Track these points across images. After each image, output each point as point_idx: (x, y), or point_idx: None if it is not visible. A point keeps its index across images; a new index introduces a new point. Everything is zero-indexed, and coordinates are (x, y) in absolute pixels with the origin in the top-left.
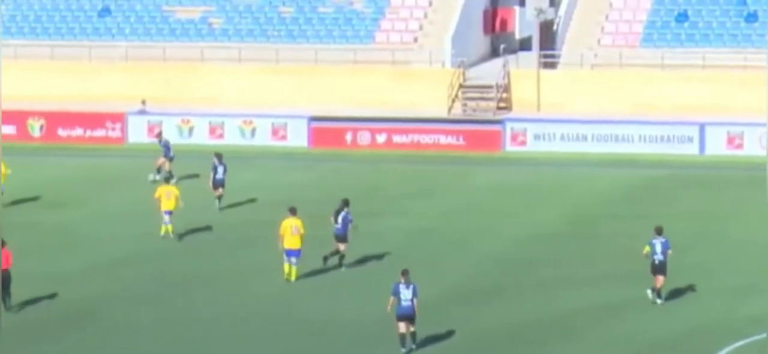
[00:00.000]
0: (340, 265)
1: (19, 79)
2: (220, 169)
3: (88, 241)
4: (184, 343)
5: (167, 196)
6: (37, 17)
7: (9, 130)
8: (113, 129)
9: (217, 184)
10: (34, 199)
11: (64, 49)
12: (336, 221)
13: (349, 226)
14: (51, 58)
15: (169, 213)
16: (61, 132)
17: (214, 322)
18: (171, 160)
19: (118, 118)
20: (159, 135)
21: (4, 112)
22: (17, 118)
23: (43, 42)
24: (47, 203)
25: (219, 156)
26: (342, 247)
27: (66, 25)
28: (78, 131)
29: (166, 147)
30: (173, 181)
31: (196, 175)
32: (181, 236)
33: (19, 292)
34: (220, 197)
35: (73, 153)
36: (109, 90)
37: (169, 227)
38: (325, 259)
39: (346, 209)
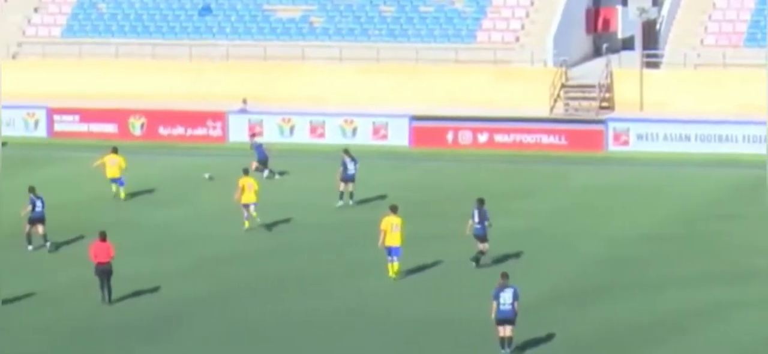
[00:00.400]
0: (477, 263)
1: (120, 78)
2: (351, 165)
3: (189, 239)
4: (284, 341)
5: (248, 189)
6: (138, 16)
7: (110, 128)
8: (214, 128)
9: (348, 179)
10: (135, 197)
11: (165, 48)
12: (475, 221)
13: (487, 224)
14: (152, 57)
15: (250, 206)
16: (162, 130)
17: (314, 320)
18: (263, 162)
19: (219, 116)
20: (254, 135)
21: (107, 111)
22: (118, 116)
23: (144, 40)
24: (148, 202)
25: (347, 152)
26: (483, 246)
27: (167, 24)
28: (179, 130)
29: (259, 149)
30: (266, 175)
31: (290, 174)
32: (284, 234)
33: (120, 290)
34: (351, 193)
35: (173, 152)
36: (210, 89)
37: (253, 215)
38: (476, 262)
39: (482, 208)
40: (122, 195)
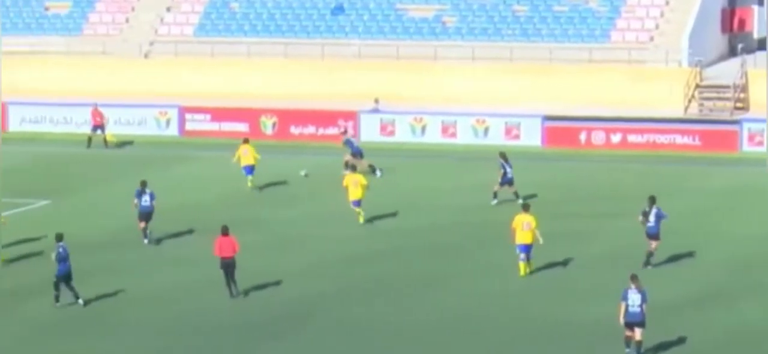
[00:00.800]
0: (647, 262)
1: (252, 77)
2: (509, 169)
3: (315, 238)
4: (406, 342)
5: (354, 185)
6: (270, 15)
7: (241, 127)
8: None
9: (506, 183)
10: (265, 196)
11: (297, 47)
12: (647, 220)
13: (661, 222)
14: (284, 56)
15: (358, 203)
16: (294, 130)
17: (437, 321)
18: (361, 156)
19: (351, 116)
20: (344, 132)
21: (238, 110)
22: (250, 115)
23: (276, 40)
24: (277, 201)
25: (504, 155)
26: (654, 244)
27: (299, 23)
28: (310, 129)
29: (351, 143)
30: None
31: (398, 174)
32: (412, 234)
33: (245, 287)
34: (516, 193)
35: (305, 151)
36: (342, 88)
37: (360, 214)
38: (646, 264)
39: (656, 206)
40: (250, 184)
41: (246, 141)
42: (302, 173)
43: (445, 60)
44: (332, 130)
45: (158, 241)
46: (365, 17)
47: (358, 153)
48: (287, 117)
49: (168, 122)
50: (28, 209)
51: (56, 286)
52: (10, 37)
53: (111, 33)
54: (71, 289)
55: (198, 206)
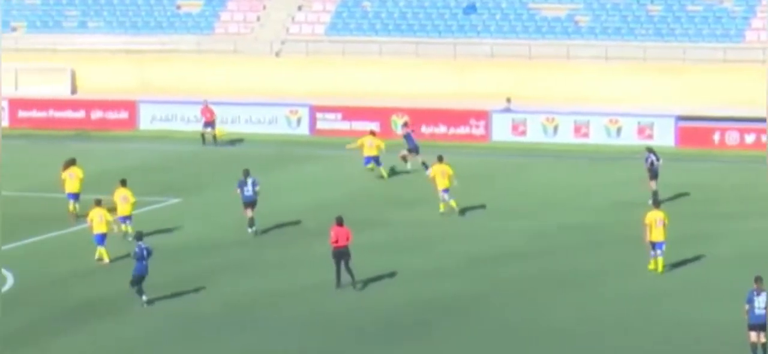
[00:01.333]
0: None
1: (383, 76)
2: (656, 161)
3: (443, 239)
4: (540, 345)
5: (442, 176)
6: (402, 14)
7: (372, 126)
8: (477, 126)
9: (654, 175)
10: (390, 195)
11: (428, 47)
12: None
13: None
14: (415, 55)
15: (446, 191)
16: (425, 129)
17: (570, 320)
18: (416, 152)
19: (483, 115)
20: (406, 124)
21: (369, 109)
22: (381, 114)
23: (408, 39)
24: (406, 200)
25: (651, 149)
26: None
27: (431, 22)
28: (442, 128)
29: (409, 139)
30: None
31: (530, 174)
32: (545, 235)
33: (369, 288)
34: (655, 192)
35: (436, 150)
36: (474, 87)
37: (452, 202)
38: None
39: None
40: (384, 174)
41: (372, 133)
42: (407, 166)
43: (578, 59)
44: (463, 130)
45: (260, 232)
46: (497, 16)
47: (414, 149)
48: (419, 116)
49: (299, 121)
50: (159, 207)
51: (136, 283)
52: (142, 35)
53: (242, 32)
54: (138, 286)
55: (327, 205)
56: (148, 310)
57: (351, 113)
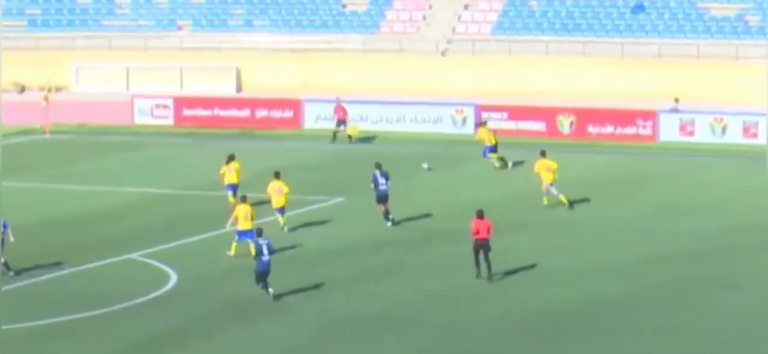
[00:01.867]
0: None
1: (549, 76)
2: None
3: (608, 240)
4: (706, 348)
5: (546, 170)
6: (569, 13)
7: (538, 126)
8: (644, 127)
9: None
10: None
11: (595, 46)
12: None
13: None
14: (582, 55)
15: (553, 184)
16: (591, 129)
17: (741, 327)
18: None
19: (650, 115)
20: (483, 123)
21: (535, 109)
22: (547, 114)
23: (575, 38)
24: (574, 201)
25: None
26: None
27: (598, 22)
28: (608, 129)
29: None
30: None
31: (696, 175)
32: (712, 238)
33: (539, 286)
34: None
35: (602, 150)
36: (641, 87)
37: (562, 197)
38: None
39: None
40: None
41: (483, 123)
42: (424, 167)
43: (747, 59)
44: (630, 130)
45: (395, 222)
46: (666, 16)
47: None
48: (585, 116)
49: (464, 120)
50: (322, 207)
51: (259, 281)
52: (307, 34)
53: (408, 31)
54: (263, 283)
55: (492, 203)
56: (311, 310)
57: (517, 113)
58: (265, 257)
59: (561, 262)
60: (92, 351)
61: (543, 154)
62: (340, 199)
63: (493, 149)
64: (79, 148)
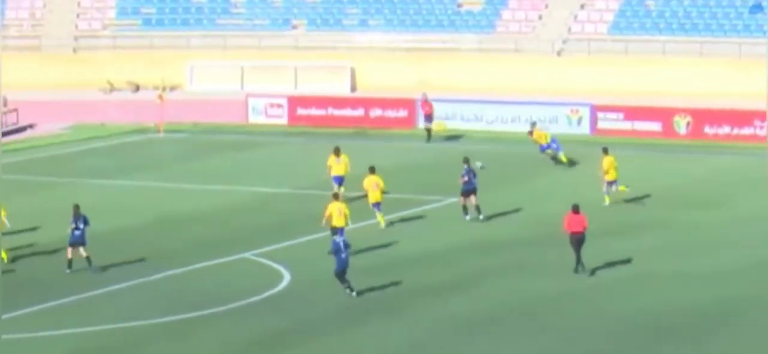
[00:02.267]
0: None
1: (666, 76)
2: None
3: (722, 243)
4: None
5: (614, 168)
6: (686, 13)
7: (654, 126)
8: (761, 128)
9: None
10: (669, 197)
11: (712, 46)
12: None
13: None
14: (699, 55)
15: (612, 183)
16: (708, 130)
17: None
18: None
19: (763, 116)
20: (533, 124)
21: (651, 109)
22: (663, 115)
23: (691, 38)
24: (687, 202)
25: None
26: None
27: (716, 22)
28: (725, 129)
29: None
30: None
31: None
32: None
33: (649, 291)
34: None
35: (719, 151)
36: (759, 88)
37: (622, 187)
38: None
39: None
40: (564, 159)
41: (533, 124)
42: (478, 165)
43: None
44: (747, 131)
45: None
46: None
47: (553, 149)
48: (701, 117)
49: (579, 120)
50: (436, 207)
51: (341, 279)
52: (422, 33)
53: (523, 30)
54: (345, 281)
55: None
56: (425, 310)
57: (633, 113)
58: (343, 254)
59: (679, 265)
60: (204, 351)
61: (606, 151)
62: (453, 200)
63: (548, 148)
64: (193, 147)
